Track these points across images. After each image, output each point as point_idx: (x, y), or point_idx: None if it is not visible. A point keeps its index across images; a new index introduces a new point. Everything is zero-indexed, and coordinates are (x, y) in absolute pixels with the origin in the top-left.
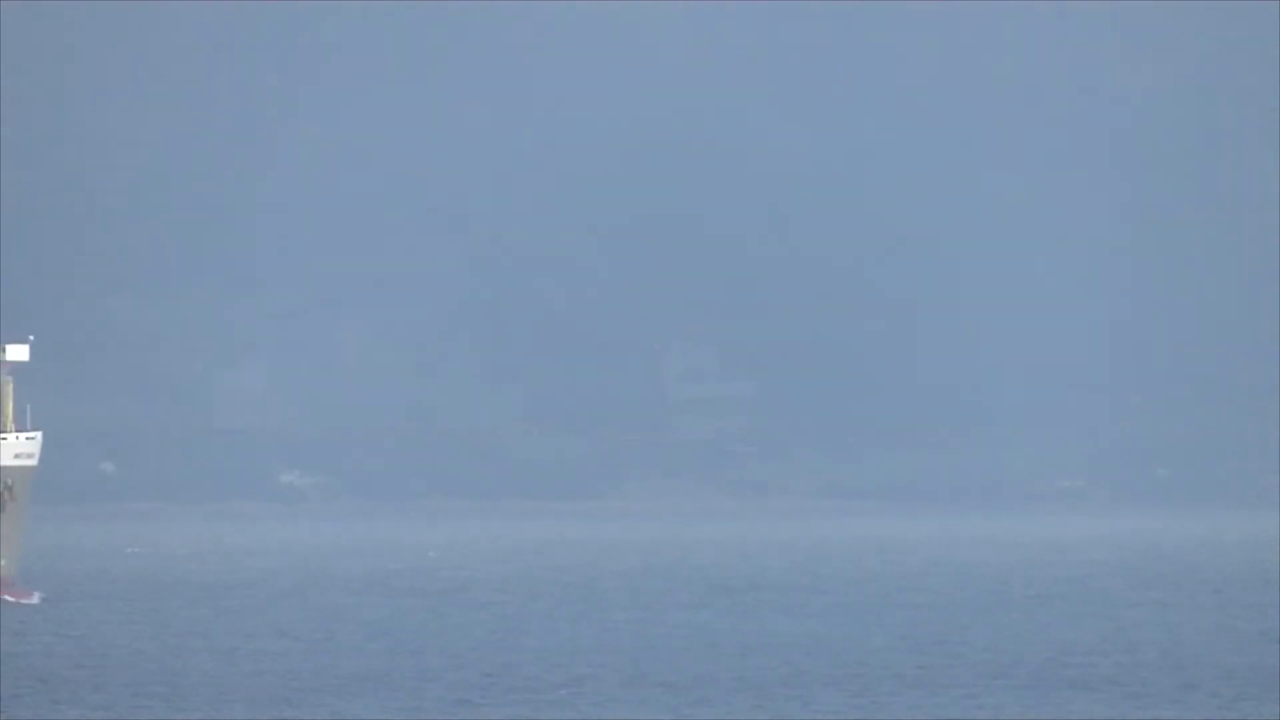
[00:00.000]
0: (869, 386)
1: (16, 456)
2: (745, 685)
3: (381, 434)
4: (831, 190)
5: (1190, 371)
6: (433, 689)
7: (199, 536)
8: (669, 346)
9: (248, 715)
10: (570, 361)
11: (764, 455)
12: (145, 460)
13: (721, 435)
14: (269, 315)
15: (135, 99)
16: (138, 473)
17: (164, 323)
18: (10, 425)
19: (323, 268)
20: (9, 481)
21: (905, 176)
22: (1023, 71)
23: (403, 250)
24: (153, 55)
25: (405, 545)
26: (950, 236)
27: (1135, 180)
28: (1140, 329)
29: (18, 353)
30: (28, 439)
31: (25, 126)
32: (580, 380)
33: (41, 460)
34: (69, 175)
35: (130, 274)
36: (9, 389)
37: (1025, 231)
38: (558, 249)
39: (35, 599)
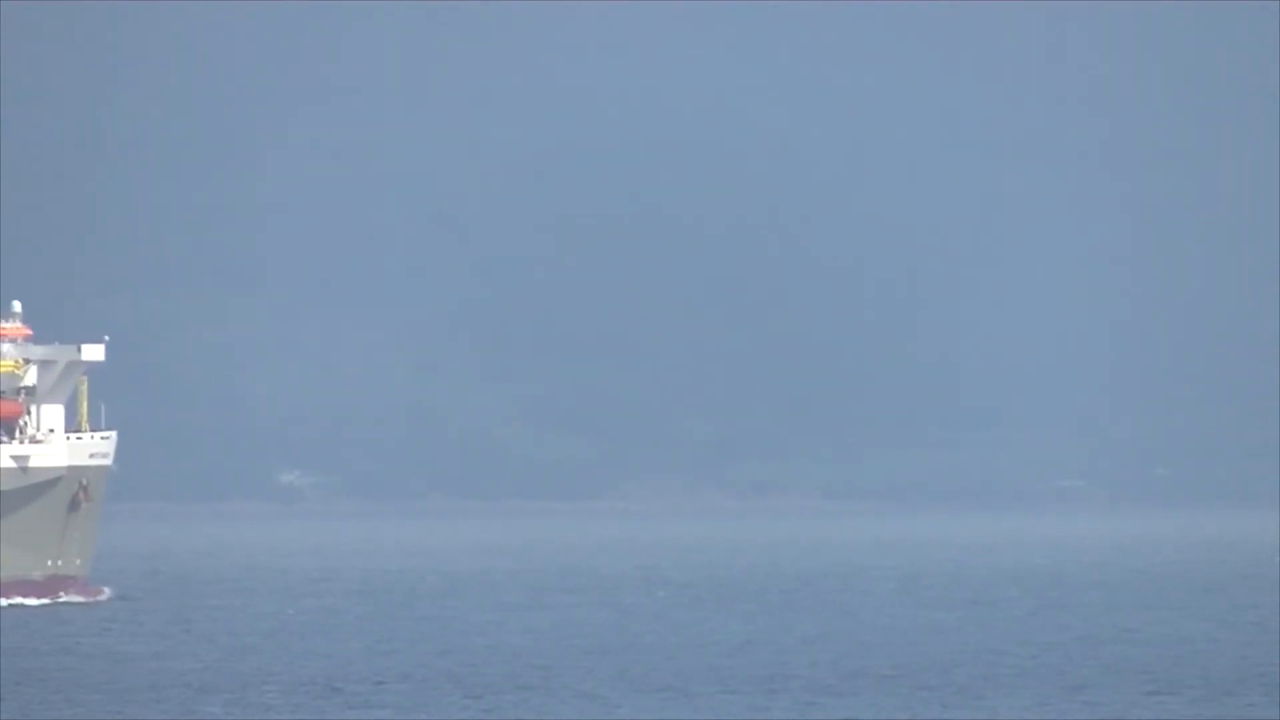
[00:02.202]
0: (869, 386)
1: (92, 456)
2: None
3: (381, 434)
4: (832, 192)
5: (1190, 371)
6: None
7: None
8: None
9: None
10: (570, 361)
11: (764, 455)
12: (145, 460)
13: (722, 435)
14: (269, 315)
15: (135, 99)
16: (138, 473)
17: (164, 323)
18: (86, 425)
19: (323, 268)
20: (84, 481)
21: (906, 178)
22: (1023, 73)
23: (403, 251)
24: (153, 55)
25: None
26: (950, 238)
27: (1135, 181)
28: (1140, 330)
29: (93, 352)
30: (102, 439)
31: (25, 126)
32: (580, 380)
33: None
34: (69, 175)
35: (130, 274)
36: (84, 388)
37: (1026, 233)
38: (557, 249)
39: (105, 596)
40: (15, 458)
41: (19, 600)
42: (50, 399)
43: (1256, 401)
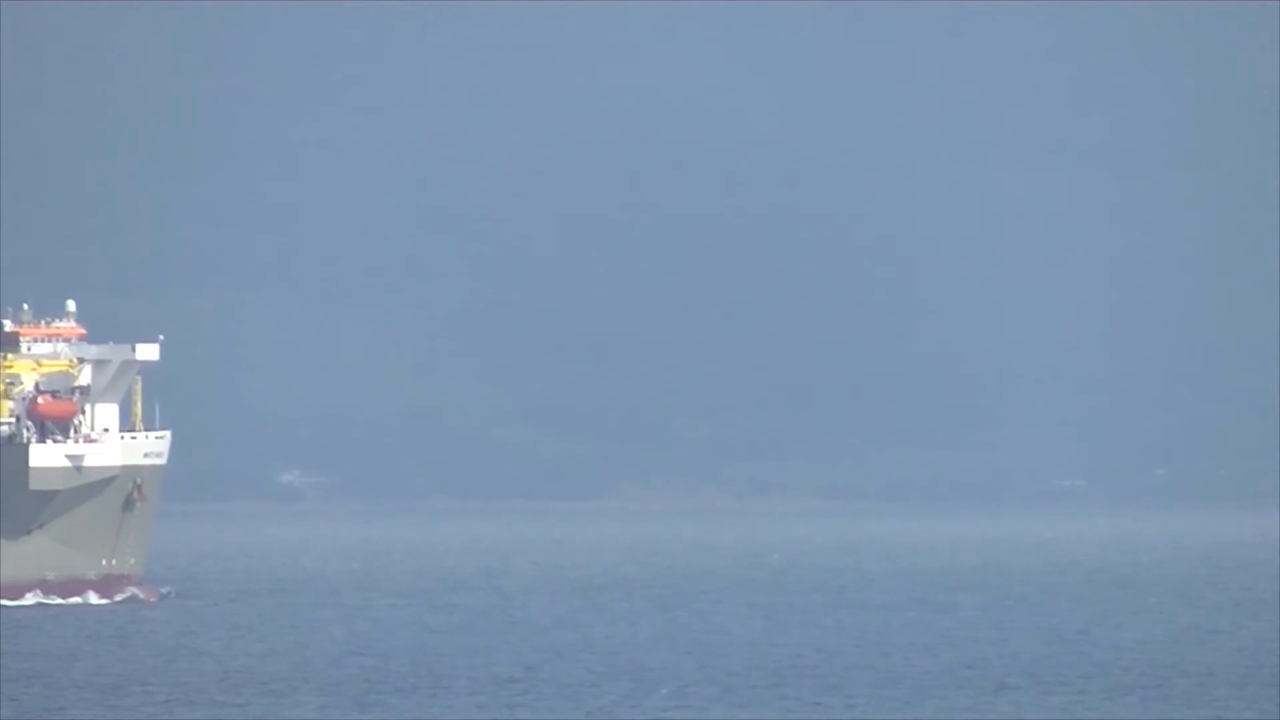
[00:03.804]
0: (869, 386)
1: (146, 455)
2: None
3: (381, 434)
4: (833, 192)
5: (1190, 371)
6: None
7: None
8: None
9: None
10: (570, 361)
11: (764, 455)
12: None
13: (721, 435)
14: (269, 315)
15: (136, 99)
16: None
17: (164, 323)
18: (140, 424)
19: (323, 268)
20: (139, 480)
21: (907, 178)
22: (1023, 73)
23: (403, 250)
24: (154, 56)
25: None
26: (951, 238)
27: (1135, 181)
28: (1141, 330)
29: (147, 352)
30: (157, 438)
31: (25, 126)
32: (580, 380)
33: None
34: (69, 175)
35: (131, 274)
36: (138, 388)
37: (1026, 233)
38: (556, 249)
39: (161, 595)
40: (70, 457)
41: (81, 598)
42: (105, 398)
43: (1256, 401)
